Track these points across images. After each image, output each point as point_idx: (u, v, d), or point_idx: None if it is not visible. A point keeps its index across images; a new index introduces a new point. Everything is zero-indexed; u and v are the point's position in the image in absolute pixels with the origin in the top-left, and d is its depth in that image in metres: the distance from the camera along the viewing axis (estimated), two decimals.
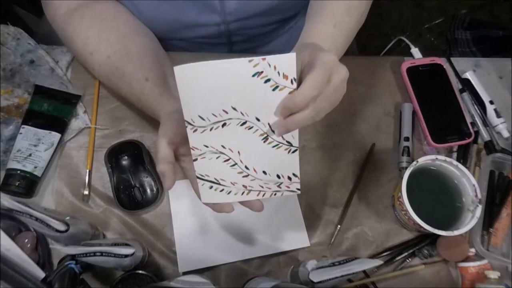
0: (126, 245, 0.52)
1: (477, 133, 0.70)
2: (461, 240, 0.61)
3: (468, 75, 0.73)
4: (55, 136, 0.63)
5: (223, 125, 0.44)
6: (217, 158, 0.46)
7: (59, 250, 0.50)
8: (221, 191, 0.48)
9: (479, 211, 0.57)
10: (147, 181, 0.62)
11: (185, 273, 0.59)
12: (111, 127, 0.67)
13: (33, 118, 0.64)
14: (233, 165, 0.47)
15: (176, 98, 0.53)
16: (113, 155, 0.63)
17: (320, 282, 0.48)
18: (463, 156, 0.68)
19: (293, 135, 0.44)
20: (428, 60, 0.73)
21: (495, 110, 0.71)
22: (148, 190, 0.61)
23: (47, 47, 0.70)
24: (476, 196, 0.58)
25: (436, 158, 0.60)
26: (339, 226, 0.63)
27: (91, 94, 0.68)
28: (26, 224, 0.57)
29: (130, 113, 0.68)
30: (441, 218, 0.59)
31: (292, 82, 0.40)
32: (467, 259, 0.62)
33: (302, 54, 0.43)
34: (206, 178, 0.48)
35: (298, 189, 0.49)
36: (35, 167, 0.61)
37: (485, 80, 0.74)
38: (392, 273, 0.61)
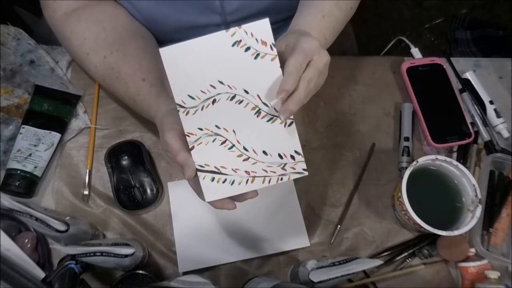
0: (126, 245, 0.52)
1: (477, 133, 0.70)
2: (461, 240, 0.61)
3: (468, 75, 0.73)
4: (55, 136, 0.63)
5: (213, 101, 0.44)
6: (213, 141, 0.45)
7: (59, 250, 0.50)
8: (223, 182, 0.47)
9: (479, 211, 0.57)
10: (147, 181, 0.62)
11: (185, 273, 0.59)
12: (111, 127, 0.67)
13: (33, 118, 0.64)
14: (231, 147, 0.46)
15: (172, 99, 0.53)
16: (113, 155, 0.63)
17: (320, 282, 0.48)
18: (463, 156, 0.68)
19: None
20: (428, 60, 0.73)
21: (495, 110, 0.70)
22: (148, 190, 0.61)
23: (47, 47, 0.70)
24: (476, 196, 0.58)
25: (436, 158, 0.60)
26: (339, 226, 0.63)
27: (91, 94, 0.68)
28: (26, 224, 0.57)
29: (130, 113, 0.68)
30: (441, 218, 0.59)
31: (271, 48, 0.41)
32: (467, 259, 0.62)
33: (287, 37, 0.45)
34: (206, 168, 0.46)
35: (304, 170, 0.47)
36: (35, 167, 0.61)
37: (485, 80, 0.74)
38: (392, 273, 0.61)
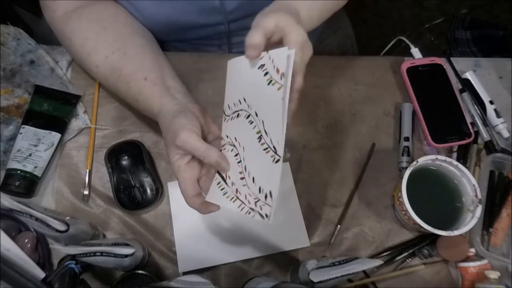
0: (126, 245, 0.52)
1: (477, 133, 0.70)
2: (461, 240, 0.61)
3: (468, 75, 0.73)
4: (55, 136, 0.63)
5: (237, 115, 0.47)
6: (231, 150, 0.48)
7: (59, 250, 0.51)
8: (221, 189, 0.49)
9: (479, 211, 0.57)
10: (147, 181, 0.62)
11: (185, 273, 0.59)
12: (111, 127, 0.67)
13: (33, 118, 0.64)
14: (239, 162, 0.48)
15: (177, 99, 0.53)
16: (113, 155, 0.63)
17: (320, 282, 0.48)
18: (463, 156, 0.68)
19: (278, 141, 0.43)
20: (428, 60, 0.73)
21: (495, 110, 0.70)
22: (148, 190, 0.61)
23: (47, 47, 0.70)
24: (476, 196, 0.58)
25: (436, 158, 0.60)
26: (338, 226, 0.63)
27: (91, 94, 0.68)
28: (26, 224, 0.57)
29: (130, 113, 0.68)
30: (441, 218, 0.59)
31: (281, 78, 0.42)
32: (467, 259, 0.62)
33: (278, 14, 0.45)
34: (220, 173, 0.50)
35: (266, 215, 0.46)
36: (35, 167, 0.61)
37: (485, 80, 0.74)
38: (392, 273, 0.61)
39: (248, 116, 0.46)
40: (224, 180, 0.49)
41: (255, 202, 0.47)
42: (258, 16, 0.47)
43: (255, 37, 0.44)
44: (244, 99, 0.46)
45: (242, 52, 0.74)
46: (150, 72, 0.56)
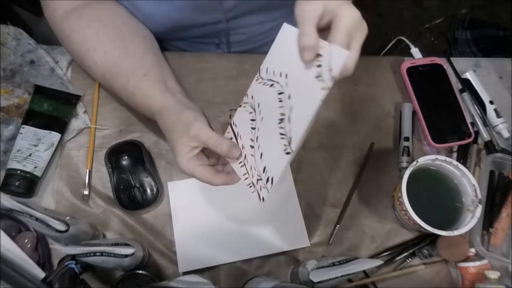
0: (126, 245, 0.52)
1: (477, 133, 0.70)
2: (461, 240, 0.61)
3: (468, 75, 0.73)
4: (55, 136, 0.63)
5: (271, 85, 0.46)
6: (249, 113, 0.48)
7: (59, 250, 0.50)
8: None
9: (479, 211, 0.57)
10: (147, 181, 0.62)
11: (185, 273, 0.59)
12: (111, 127, 0.67)
13: (33, 118, 0.64)
14: (253, 128, 0.48)
15: (178, 98, 0.53)
16: (113, 155, 0.63)
17: (320, 282, 0.48)
18: (463, 156, 0.68)
19: (296, 135, 0.43)
20: (428, 60, 0.73)
21: (495, 110, 0.70)
22: (148, 190, 0.61)
23: (47, 47, 0.70)
24: (476, 196, 0.58)
25: (436, 158, 0.60)
26: (337, 225, 0.63)
27: (91, 94, 0.68)
28: (26, 224, 0.57)
29: (130, 113, 0.68)
30: (441, 218, 0.59)
31: (331, 79, 0.40)
32: (467, 259, 0.62)
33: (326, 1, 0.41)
34: (233, 127, 0.51)
35: (263, 199, 0.47)
36: (35, 167, 0.61)
37: (485, 80, 0.74)
38: (392, 273, 0.61)
39: (281, 93, 0.45)
40: (236, 139, 0.50)
41: (257, 180, 0.47)
42: (300, 5, 0.42)
43: (308, 37, 0.40)
44: (286, 75, 0.44)
45: (241, 51, 0.74)
46: (151, 69, 0.56)
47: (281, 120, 0.45)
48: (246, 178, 0.49)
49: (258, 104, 0.48)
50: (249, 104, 0.49)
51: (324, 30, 0.42)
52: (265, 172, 0.47)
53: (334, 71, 0.40)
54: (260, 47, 0.79)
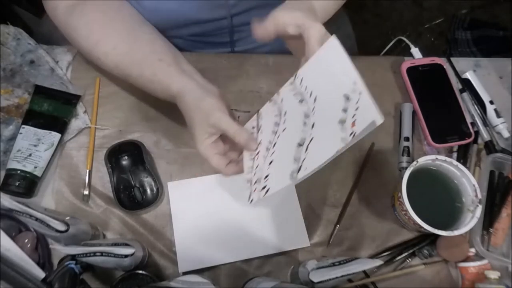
0: (126, 245, 0.52)
1: (477, 133, 0.70)
2: (461, 240, 0.61)
3: (468, 75, 0.73)
4: (55, 136, 0.63)
5: (301, 101, 0.47)
6: (275, 115, 0.49)
7: (59, 250, 0.50)
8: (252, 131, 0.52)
9: (479, 211, 0.57)
10: (147, 181, 0.62)
11: (185, 273, 0.59)
12: (111, 127, 0.67)
13: (33, 118, 0.64)
14: (274, 132, 0.48)
15: (195, 80, 0.55)
16: (113, 155, 0.63)
17: (320, 282, 0.48)
18: (463, 156, 0.68)
19: (307, 168, 0.43)
20: (428, 60, 0.73)
21: (495, 110, 0.70)
22: (148, 190, 0.61)
23: (47, 47, 0.70)
24: (476, 196, 0.58)
25: (436, 158, 0.60)
26: (337, 225, 0.63)
27: (91, 94, 0.68)
28: (26, 224, 0.57)
29: (130, 113, 0.68)
30: (441, 218, 0.59)
31: (350, 134, 0.39)
32: (467, 259, 0.62)
33: (295, 14, 0.47)
34: (259, 119, 0.52)
35: (251, 200, 0.48)
36: (35, 167, 0.61)
37: (485, 80, 0.74)
38: (392, 273, 0.61)
39: (307, 117, 0.44)
40: (257, 131, 0.51)
41: (255, 181, 0.47)
42: (272, 13, 0.48)
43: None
44: (315, 99, 0.44)
45: (245, 50, 0.74)
46: (164, 54, 0.56)
47: (300, 145, 0.44)
48: (248, 173, 0.49)
49: (285, 112, 0.48)
50: (278, 106, 0.49)
51: (293, 38, 0.47)
52: (265, 180, 0.47)
53: (357, 125, 0.39)
54: (262, 46, 0.78)
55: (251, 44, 0.77)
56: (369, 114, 0.38)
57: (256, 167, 0.49)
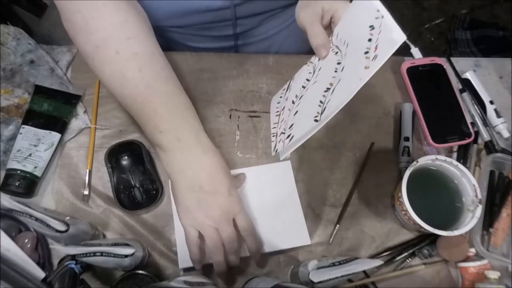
0: (126, 245, 0.52)
1: (477, 133, 0.70)
2: (461, 240, 0.61)
3: (468, 75, 0.73)
4: (55, 136, 0.63)
5: (336, 52, 0.47)
6: (309, 73, 0.50)
7: (59, 250, 0.50)
8: (280, 97, 0.54)
9: (479, 211, 0.57)
10: (147, 181, 0.62)
11: (185, 270, 0.59)
12: (111, 127, 0.67)
13: (33, 118, 0.64)
14: (303, 87, 0.49)
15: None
16: (113, 155, 0.63)
17: (320, 282, 0.48)
18: (463, 156, 0.68)
19: (331, 108, 0.43)
20: (428, 60, 0.73)
21: (495, 110, 0.70)
22: (148, 190, 0.61)
23: (47, 47, 0.70)
24: (476, 196, 0.58)
25: (436, 158, 0.60)
26: (337, 225, 0.63)
27: (91, 94, 0.68)
28: (26, 224, 0.57)
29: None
30: (441, 218, 0.59)
31: (373, 58, 0.40)
32: (467, 259, 0.62)
33: (317, 3, 0.47)
34: (291, 81, 0.53)
35: (276, 150, 0.49)
36: (35, 167, 0.61)
37: (485, 80, 0.74)
38: (392, 273, 0.61)
39: (339, 64, 0.45)
40: (287, 90, 0.52)
41: (281, 133, 0.48)
42: (301, 11, 0.48)
43: (318, 37, 0.46)
44: (347, 45, 0.45)
45: (248, 44, 0.74)
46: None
47: (327, 89, 0.45)
48: (274, 128, 0.50)
49: (320, 68, 0.49)
50: (313, 65, 0.50)
51: (327, 28, 0.47)
52: (290, 129, 0.48)
53: (379, 48, 0.40)
54: (265, 40, 0.77)
55: (254, 38, 0.76)
56: (390, 33, 0.39)
57: (281, 121, 0.50)
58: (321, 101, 0.45)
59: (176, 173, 0.50)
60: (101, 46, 0.49)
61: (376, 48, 0.40)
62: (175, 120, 0.49)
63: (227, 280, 0.60)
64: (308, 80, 0.49)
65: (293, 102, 0.50)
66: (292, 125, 0.47)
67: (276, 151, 0.49)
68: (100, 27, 0.48)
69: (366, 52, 0.41)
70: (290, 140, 0.47)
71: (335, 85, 0.44)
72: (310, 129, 0.45)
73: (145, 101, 0.49)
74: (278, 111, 0.51)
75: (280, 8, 0.72)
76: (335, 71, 0.45)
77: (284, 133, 0.48)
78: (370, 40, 0.41)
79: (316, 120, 0.45)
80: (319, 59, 0.50)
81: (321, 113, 0.44)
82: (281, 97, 0.54)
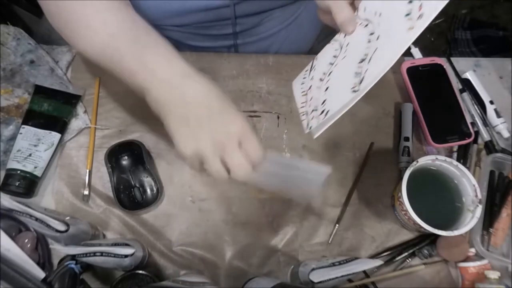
0: (126, 245, 0.52)
1: (477, 133, 0.70)
2: (461, 240, 0.61)
3: (468, 75, 0.73)
4: (55, 136, 0.63)
5: (366, 25, 0.47)
6: (335, 50, 0.50)
7: (59, 250, 0.51)
8: (303, 78, 0.53)
9: (479, 211, 0.57)
10: (147, 181, 0.62)
11: (185, 272, 0.59)
12: (111, 127, 0.67)
13: (33, 118, 0.64)
14: (331, 64, 0.49)
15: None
16: (113, 155, 0.63)
17: (320, 282, 0.48)
18: (463, 156, 0.68)
19: (370, 76, 0.44)
20: (428, 60, 0.73)
21: (495, 110, 0.70)
22: (148, 190, 0.61)
23: (47, 47, 0.70)
24: (476, 196, 0.58)
25: (436, 158, 0.60)
26: (337, 225, 0.63)
27: (91, 94, 0.68)
28: (26, 224, 0.57)
29: (130, 113, 0.68)
30: (441, 218, 0.59)
31: (418, 18, 0.39)
32: (467, 259, 0.62)
33: None
34: (314, 61, 0.53)
35: (310, 127, 0.49)
36: (35, 167, 0.61)
37: (485, 80, 0.74)
38: (392, 273, 0.61)
39: (372, 34, 0.45)
40: (310, 70, 0.52)
41: (312, 110, 0.48)
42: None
43: (343, 12, 0.45)
44: (380, 14, 0.44)
45: (248, 43, 0.73)
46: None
47: (362, 60, 0.45)
48: (302, 107, 0.50)
49: (348, 43, 0.48)
50: (338, 42, 0.50)
51: (351, 5, 0.46)
52: (323, 104, 0.48)
53: (424, 6, 0.39)
54: (265, 39, 0.77)
55: (254, 37, 0.76)
56: None
57: (310, 99, 0.50)
58: (356, 72, 0.46)
59: (162, 108, 0.45)
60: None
61: (420, 7, 0.40)
62: (144, 57, 0.46)
63: (227, 280, 0.60)
64: (335, 57, 0.50)
65: (321, 80, 0.50)
66: (325, 100, 0.48)
67: (310, 128, 0.49)
68: None
69: (408, 15, 0.41)
70: (325, 115, 0.47)
71: (371, 54, 0.44)
72: (349, 100, 0.46)
73: (113, 52, 0.47)
74: (304, 91, 0.51)
75: (280, 8, 0.72)
76: (369, 42, 0.45)
77: (316, 110, 0.48)
78: (410, 1, 0.41)
79: (354, 91, 0.45)
80: (344, 35, 0.50)
81: (360, 83, 0.45)
82: (304, 77, 0.54)
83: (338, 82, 0.47)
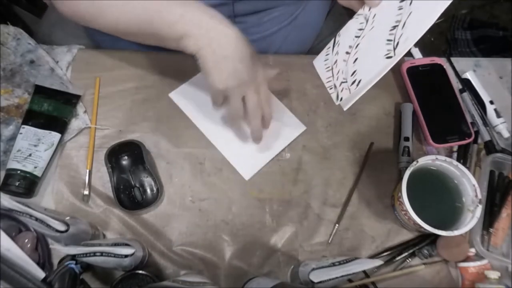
0: (126, 245, 0.52)
1: (477, 133, 0.70)
2: (461, 240, 0.61)
3: (468, 75, 0.73)
4: (55, 136, 0.63)
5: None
6: (360, 23, 0.51)
7: (59, 250, 0.51)
8: (326, 55, 0.55)
9: (479, 211, 0.57)
10: (147, 181, 0.62)
11: (186, 272, 0.59)
12: (111, 127, 0.67)
13: (33, 118, 0.64)
14: (357, 36, 0.50)
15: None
16: (113, 155, 0.63)
17: (320, 282, 0.48)
18: (463, 156, 0.68)
19: (407, 40, 0.44)
20: (428, 60, 0.73)
21: (495, 110, 0.70)
22: (148, 190, 0.62)
23: (47, 47, 0.70)
24: (476, 196, 0.58)
25: (436, 158, 0.60)
26: (337, 225, 0.63)
27: (91, 94, 0.68)
28: (26, 224, 0.57)
29: (130, 113, 0.68)
30: (441, 218, 0.59)
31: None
32: (467, 259, 0.62)
33: None
34: (336, 37, 0.54)
35: (341, 98, 0.52)
36: (35, 167, 0.61)
37: (485, 80, 0.74)
38: (392, 273, 0.61)
39: (403, 1, 0.46)
40: (333, 46, 0.53)
41: (341, 82, 0.49)
42: None
43: None
44: None
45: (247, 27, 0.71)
46: None
47: (394, 27, 0.47)
48: (329, 81, 0.52)
49: (374, 15, 0.49)
50: (363, 16, 0.51)
51: None
52: (353, 75, 0.49)
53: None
54: (265, 38, 0.77)
55: (253, 36, 0.76)
56: None
57: (337, 73, 0.51)
58: (388, 40, 0.47)
59: (201, 49, 0.51)
60: None
61: None
62: (182, 8, 0.51)
63: (227, 280, 0.60)
64: (361, 29, 0.51)
65: (347, 53, 0.51)
66: (354, 71, 0.49)
67: (340, 99, 0.50)
68: None
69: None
70: (357, 85, 0.48)
71: (405, 19, 0.46)
72: (383, 67, 0.47)
73: (151, 13, 0.52)
74: (328, 66, 0.53)
75: (280, 7, 0.72)
76: (400, 9, 0.47)
77: (346, 82, 0.49)
78: None
79: (389, 57, 0.46)
80: (369, 9, 0.51)
81: (395, 48, 0.46)
82: (327, 54, 0.56)
83: (368, 52, 0.49)
